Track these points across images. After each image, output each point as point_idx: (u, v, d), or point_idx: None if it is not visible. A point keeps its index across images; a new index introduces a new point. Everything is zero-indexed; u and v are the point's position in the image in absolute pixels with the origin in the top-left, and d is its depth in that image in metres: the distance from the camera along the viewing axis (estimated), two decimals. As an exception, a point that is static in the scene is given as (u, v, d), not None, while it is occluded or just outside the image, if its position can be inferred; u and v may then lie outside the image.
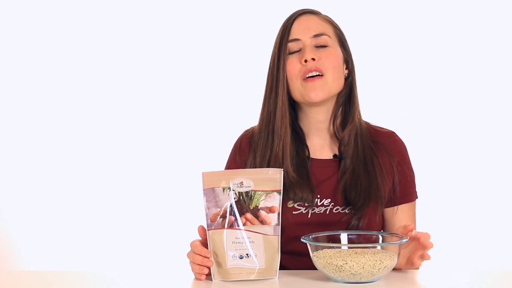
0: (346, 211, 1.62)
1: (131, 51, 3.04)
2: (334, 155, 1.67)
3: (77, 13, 3.04)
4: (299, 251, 1.57)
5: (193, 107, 3.02)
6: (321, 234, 1.46)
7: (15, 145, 3.07)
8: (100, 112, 3.05)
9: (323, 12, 1.72)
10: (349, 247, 1.41)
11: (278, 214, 1.44)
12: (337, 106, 1.67)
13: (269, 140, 1.65)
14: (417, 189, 1.72)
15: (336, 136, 1.68)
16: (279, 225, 1.44)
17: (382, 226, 1.70)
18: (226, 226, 1.43)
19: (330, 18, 1.70)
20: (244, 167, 1.69)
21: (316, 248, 1.40)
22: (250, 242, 1.43)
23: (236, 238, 1.42)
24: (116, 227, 3.03)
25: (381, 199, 1.63)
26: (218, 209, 1.43)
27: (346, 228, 1.59)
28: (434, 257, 1.46)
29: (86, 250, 3.02)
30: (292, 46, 1.64)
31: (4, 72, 3.07)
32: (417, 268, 1.50)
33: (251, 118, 1.78)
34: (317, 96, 1.60)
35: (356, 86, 1.69)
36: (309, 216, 1.62)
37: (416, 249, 1.45)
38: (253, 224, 1.43)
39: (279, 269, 1.44)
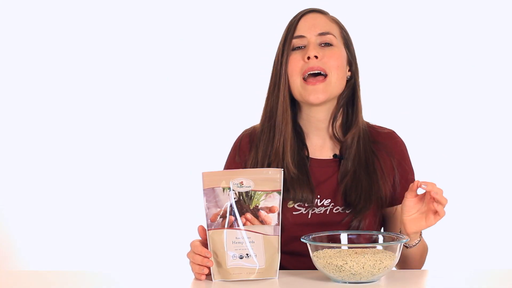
0: (347, 212, 1.62)
1: (131, 51, 3.04)
2: (334, 155, 1.67)
3: (77, 13, 3.04)
4: (299, 251, 1.57)
5: (193, 107, 3.02)
6: (321, 234, 1.46)
7: (15, 145, 3.07)
8: (100, 112, 3.05)
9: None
10: (349, 247, 1.41)
11: (278, 214, 1.44)
12: (337, 107, 1.67)
13: (271, 135, 1.66)
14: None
15: (336, 137, 1.67)
16: (279, 225, 1.44)
17: (383, 226, 1.70)
18: (226, 226, 1.43)
19: (337, 19, 1.70)
20: (244, 167, 1.69)
21: (316, 248, 1.40)
22: (250, 242, 1.42)
23: (236, 238, 1.42)
24: (116, 227, 3.03)
25: (382, 202, 1.63)
26: (218, 209, 1.43)
27: (346, 229, 1.59)
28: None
29: (86, 250, 3.02)
30: (296, 42, 1.64)
31: (4, 72, 3.07)
32: (433, 224, 1.48)
33: (251, 118, 1.79)
34: (318, 99, 1.60)
35: (359, 89, 1.69)
36: (309, 217, 1.62)
37: (429, 203, 1.45)
38: (253, 224, 1.43)
39: (279, 269, 1.44)
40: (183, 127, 3.02)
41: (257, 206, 1.44)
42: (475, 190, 2.94)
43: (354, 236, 1.48)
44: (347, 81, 1.68)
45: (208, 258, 1.42)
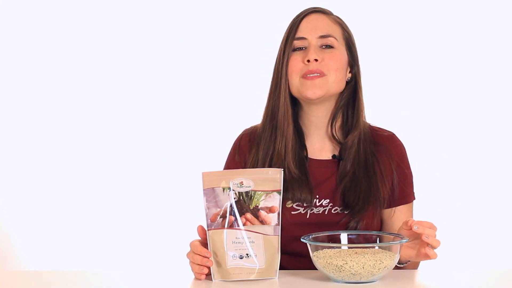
0: (345, 212, 1.62)
1: (131, 51, 3.04)
2: (333, 156, 1.68)
3: (77, 13, 3.04)
4: (298, 251, 1.57)
5: (193, 107, 3.02)
6: (321, 234, 1.46)
7: (15, 145, 3.07)
8: (100, 112, 3.05)
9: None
10: (349, 247, 1.41)
11: (278, 214, 1.44)
12: (336, 108, 1.67)
13: (272, 135, 1.66)
14: (415, 190, 1.72)
15: (335, 138, 1.67)
16: (279, 225, 1.44)
17: (380, 227, 1.70)
18: (226, 226, 1.43)
19: (340, 19, 1.70)
20: (244, 167, 1.69)
21: (316, 248, 1.40)
22: (250, 242, 1.42)
23: (236, 238, 1.42)
24: (116, 227, 3.03)
25: (380, 204, 1.63)
26: (218, 209, 1.43)
27: (345, 230, 1.59)
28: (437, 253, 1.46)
29: (86, 250, 3.02)
30: (297, 43, 1.64)
31: (4, 72, 3.07)
32: (421, 260, 1.48)
33: (251, 117, 1.79)
34: (314, 94, 1.60)
35: (361, 91, 1.68)
36: (307, 217, 1.62)
37: (422, 243, 1.45)
38: (253, 224, 1.43)
39: (279, 269, 1.44)
40: (183, 127, 3.02)
41: (257, 206, 1.44)
42: (475, 190, 2.95)
43: (354, 236, 1.48)
44: (348, 82, 1.68)
45: (208, 258, 1.42)
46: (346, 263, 1.34)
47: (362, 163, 1.64)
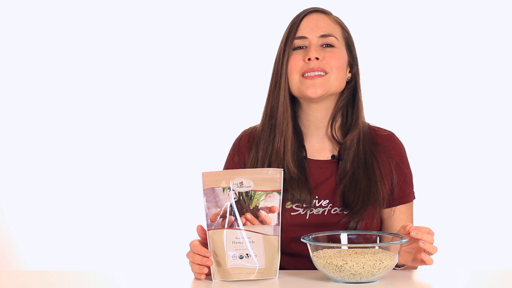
0: (344, 213, 1.62)
1: (131, 51, 3.04)
2: (332, 156, 1.68)
3: (77, 13, 3.04)
4: (298, 252, 1.57)
5: (193, 107, 3.03)
6: (321, 234, 1.46)
7: (15, 145, 3.07)
8: (100, 112, 3.05)
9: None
10: (349, 247, 1.41)
11: (278, 214, 1.44)
12: (336, 108, 1.67)
13: (271, 134, 1.66)
14: (415, 190, 1.72)
15: (334, 138, 1.67)
16: (279, 225, 1.44)
17: (380, 227, 1.70)
18: (226, 226, 1.43)
19: (340, 19, 1.70)
20: (243, 167, 1.69)
21: (316, 248, 1.40)
22: (250, 242, 1.43)
23: (236, 238, 1.42)
24: (116, 227, 3.03)
25: (379, 204, 1.63)
26: (218, 209, 1.43)
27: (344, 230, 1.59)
28: (434, 257, 1.46)
29: (86, 250, 3.02)
30: (298, 42, 1.64)
31: (5, 72, 3.07)
32: (431, 264, 1.47)
33: (251, 118, 1.79)
34: (315, 93, 1.60)
35: (360, 91, 1.69)
36: (307, 217, 1.62)
37: (419, 248, 1.45)
38: (253, 224, 1.43)
39: (279, 269, 1.44)
40: (183, 127, 3.02)
41: (257, 206, 1.44)
42: (475, 190, 2.95)
43: (354, 236, 1.48)
44: (347, 82, 1.68)
45: (208, 257, 1.42)
46: (346, 263, 1.34)
47: (361, 163, 1.64)
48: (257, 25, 2.96)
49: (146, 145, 3.04)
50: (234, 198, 1.43)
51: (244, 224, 1.43)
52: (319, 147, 1.69)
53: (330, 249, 1.40)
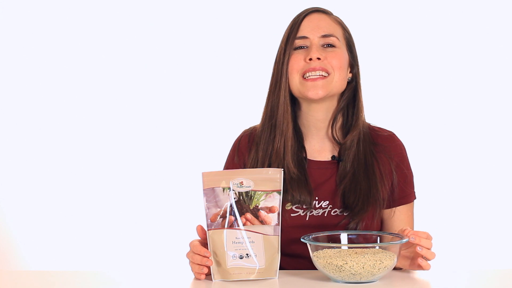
0: (345, 214, 1.62)
1: (131, 51, 3.04)
2: (333, 157, 1.67)
3: (77, 13, 3.04)
4: (298, 253, 1.57)
5: (193, 107, 3.03)
6: (321, 234, 1.46)
7: (15, 145, 3.07)
8: (100, 113, 3.05)
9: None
10: (349, 247, 1.41)
11: (278, 214, 1.44)
12: (337, 109, 1.67)
13: (271, 134, 1.66)
14: (415, 190, 1.72)
15: (335, 139, 1.67)
16: (279, 225, 1.44)
17: (381, 227, 1.70)
18: (226, 226, 1.43)
19: (341, 20, 1.70)
20: (243, 168, 1.68)
21: (316, 248, 1.40)
22: (250, 242, 1.43)
23: (236, 238, 1.42)
24: (116, 227, 3.03)
25: (380, 205, 1.63)
26: (218, 209, 1.43)
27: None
28: (434, 257, 1.46)
29: (86, 250, 3.02)
30: (299, 42, 1.64)
31: (5, 72, 3.07)
32: (428, 269, 1.47)
33: (251, 118, 1.79)
34: (317, 94, 1.60)
35: (361, 91, 1.68)
36: (307, 219, 1.62)
37: (417, 253, 1.45)
38: (253, 224, 1.43)
39: (279, 269, 1.44)
40: (183, 128, 3.02)
41: (257, 206, 1.44)
42: (474, 190, 2.95)
43: (354, 236, 1.48)
44: (348, 83, 1.68)
45: (208, 257, 1.42)
46: (346, 263, 1.34)
47: (361, 164, 1.64)
48: (257, 25, 2.96)
49: (146, 145, 3.04)
50: (234, 198, 1.43)
51: (244, 224, 1.43)
52: (319, 148, 1.69)
53: (330, 249, 1.40)
